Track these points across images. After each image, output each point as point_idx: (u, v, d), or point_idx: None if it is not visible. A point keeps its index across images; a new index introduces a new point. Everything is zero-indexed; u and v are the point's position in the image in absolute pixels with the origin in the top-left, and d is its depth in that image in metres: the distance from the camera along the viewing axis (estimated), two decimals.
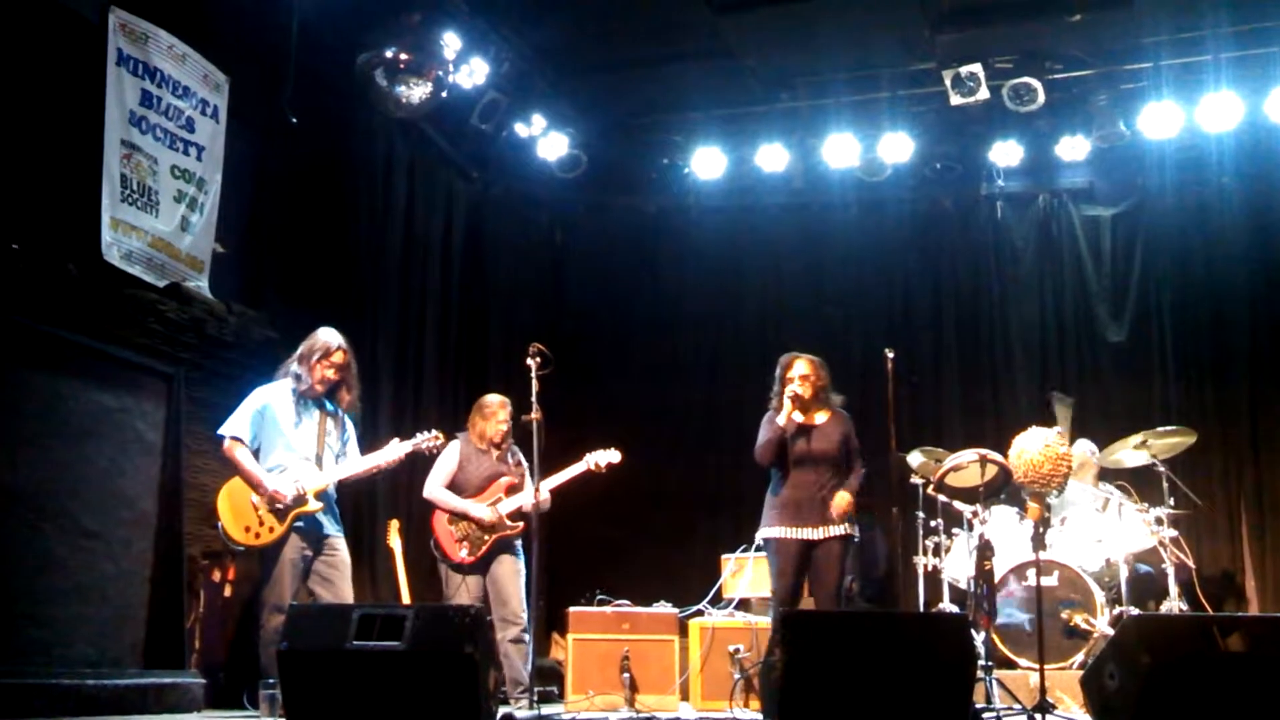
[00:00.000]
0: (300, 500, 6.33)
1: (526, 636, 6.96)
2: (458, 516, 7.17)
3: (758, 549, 8.02)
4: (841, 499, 6.51)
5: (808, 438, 6.61)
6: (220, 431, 6.43)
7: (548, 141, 10.23)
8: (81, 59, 6.60)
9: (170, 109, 7.11)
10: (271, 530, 6.26)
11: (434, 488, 7.27)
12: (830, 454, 6.59)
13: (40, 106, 6.35)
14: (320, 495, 6.40)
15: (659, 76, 9.97)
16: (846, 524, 6.52)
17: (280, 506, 6.27)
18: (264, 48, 7.96)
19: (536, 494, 6.84)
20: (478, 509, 7.16)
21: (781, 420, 6.56)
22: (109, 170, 6.64)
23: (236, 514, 6.25)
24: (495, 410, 7.39)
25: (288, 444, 6.44)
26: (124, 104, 6.78)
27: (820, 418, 6.70)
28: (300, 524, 6.32)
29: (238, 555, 6.91)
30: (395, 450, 6.75)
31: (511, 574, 7.16)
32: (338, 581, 6.41)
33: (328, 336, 6.61)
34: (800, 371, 6.70)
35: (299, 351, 6.59)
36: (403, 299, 9.30)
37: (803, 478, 6.57)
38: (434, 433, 6.94)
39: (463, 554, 7.11)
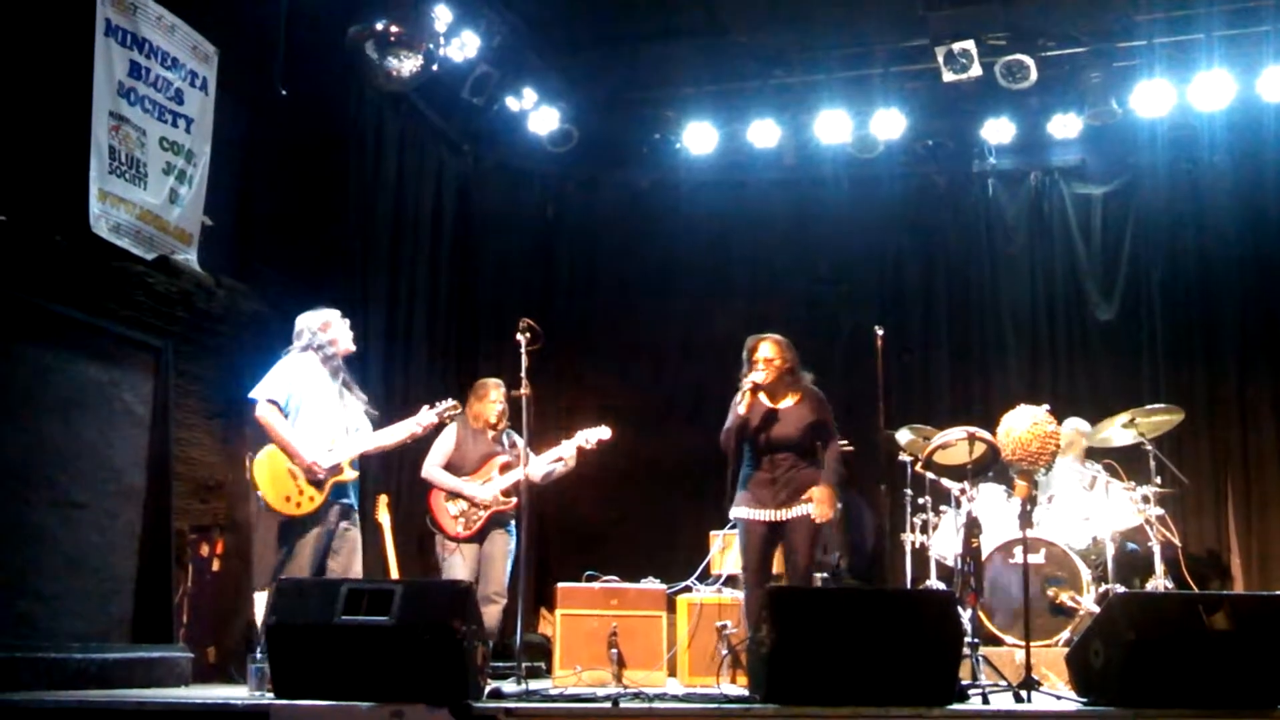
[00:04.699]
0: (336, 469, 6.35)
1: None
2: (454, 495, 7.23)
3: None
4: (821, 495, 6.36)
5: (771, 424, 6.54)
6: (253, 395, 6.38)
7: (539, 115, 10.18)
8: (69, 29, 6.55)
9: (159, 80, 7.06)
10: (311, 500, 6.28)
11: (431, 468, 7.36)
12: (793, 439, 6.51)
13: (28, 77, 6.30)
14: (353, 464, 6.46)
15: (651, 51, 9.93)
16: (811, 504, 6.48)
17: (319, 476, 6.28)
18: (253, 20, 7.92)
19: (524, 469, 6.85)
20: (473, 488, 7.26)
21: (741, 409, 6.50)
22: (97, 142, 6.60)
23: (276, 482, 6.24)
24: (489, 391, 7.49)
25: (320, 412, 6.44)
26: (112, 75, 6.72)
27: (788, 401, 6.61)
28: (332, 494, 6.36)
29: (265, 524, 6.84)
30: (425, 418, 6.80)
31: (502, 553, 7.27)
32: (345, 554, 6.43)
33: (325, 309, 6.68)
34: (765, 354, 6.56)
35: (316, 325, 6.60)
36: (392, 273, 9.27)
37: (767, 461, 6.53)
38: (453, 401, 7.02)
39: (459, 529, 7.23)
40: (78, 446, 6.23)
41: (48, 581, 5.93)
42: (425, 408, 6.89)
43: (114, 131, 6.73)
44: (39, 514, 5.92)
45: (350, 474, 6.43)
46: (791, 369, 6.61)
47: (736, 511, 6.59)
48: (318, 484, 6.29)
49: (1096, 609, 7.16)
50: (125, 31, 6.81)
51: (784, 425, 6.52)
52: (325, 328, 6.61)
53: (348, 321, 6.76)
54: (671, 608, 7.75)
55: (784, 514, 6.43)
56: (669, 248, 11.03)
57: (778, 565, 6.74)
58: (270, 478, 6.25)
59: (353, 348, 6.71)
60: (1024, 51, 9.17)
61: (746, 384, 6.48)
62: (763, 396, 6.57)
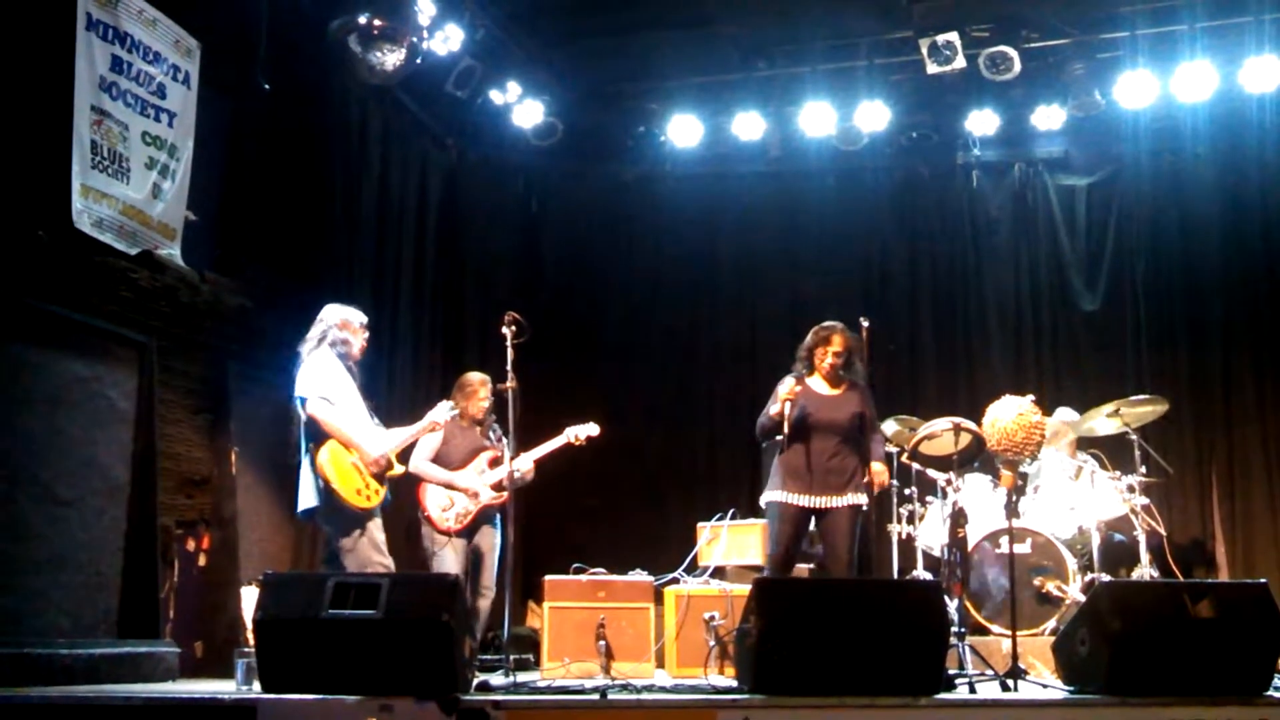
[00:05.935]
0: (389, 464, 6.43)
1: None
2: (445, 488, 7.23)
3: (733, 517, 8.05)
4: (880, 473, 6.58)
5: (821, 405, 6.61)
6: (300, 393, 6.31)
7: (523, 109, 10.16)
8: (50, 23, 6.51)
9: (141, 75, 7.03)
10: (376, 493, 6.34)
11: (419, 462, 7.35)
12: (840, 423, 6.59)
13: (8, 72, 6.26)
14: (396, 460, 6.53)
15: (635, 44, 9.92)
16: (856, 492, 6.54)
17: (383, 469, 6.33)
18: (235, 13, 7.88)
19: (511, 464, 6.84)
20: (464, 481, 7.27)
21: (774, 410, 6.53)
22: (79, 137, 6.57)
23: (345, 477, 6.23)
24: (476, 388, 7.50)
25: (355, 409, 6.45)
26: (94, 69, 6.69)
27: (840, 389, 6.72)
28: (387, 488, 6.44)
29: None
30: (440, 414, 6.82)
31: (490, 548, 7.34)
32: None
33: (354, 310, 6.69)
34: (836, 347, 6.69)
35: (335, 320, 6.56)
36: (377, 267, 9.24)
37: (811, 444, 6.56)
38: (450, 403, 7.05)
39: (449, 524, 7.23)
40: (63, 443, 6.21)
41: (34, 578, 5.92)
42: (442, 403, 6.92)
43: (96, 126, 6.70)
44: (24, 511, 5.90)
45: (399, 468, 6.52)
46: (851, 363, 6.69)
47: (771, 495, 6.62)
48: (379, 477, 6.35)
49: (1082, 598, 7.18)
50: (107, 26, 6.78)
51: (832, 408, 6.63)
52: (343, 326, 6.57)
53: (367, 334, 6.71)
54: (659, 600, 7.75)
55: (829, 501, 6.49)
56: (654, 240, 11.03)
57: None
58: (339, 472, 6.22)
59: (358, 355, 6.64)
60: (1007, 43, 9.18)
61: (784, 409, 6.49)
62: (820, 383, 6.67)
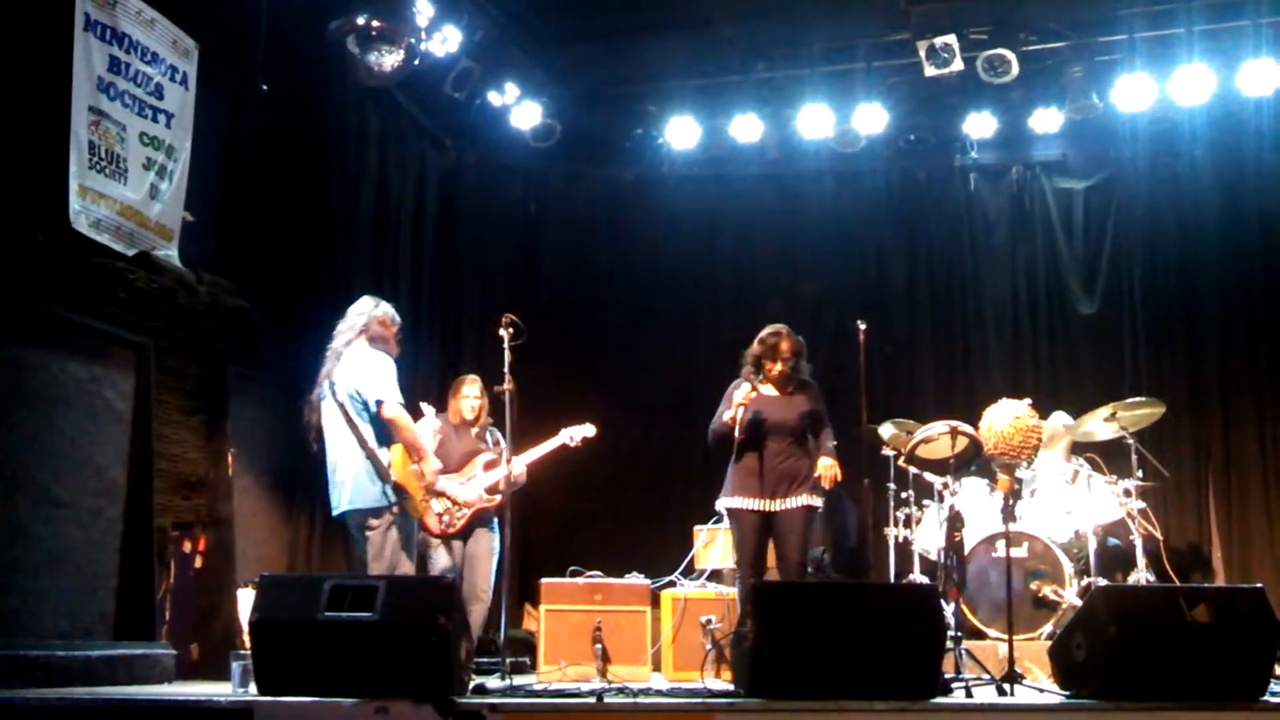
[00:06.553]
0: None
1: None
2: (437, 492, 7.23)
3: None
4: (828, 467, 6.44)
5: (771, 407, 6.59)
6: (379, 395, 6.27)
7: (521, 110, 10.16)
8: (48, 24, 6.51)
9: (139, 75, 7.02)
10: (427, 504, 6.43)
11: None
12: (789, 424, 6.55)
13: (6, 73, 6.25)
14: None
15: (633, 45, 9.92)
16: (809, 493, 6.51)
17: (426, 481, 6.35)
18: (234, 14, 7.87)
19: (509, 466, 6.84)
20: (454, 486, 7.23)
21: (727, 415, 6.50)
22: (76, 137, 6.56)
23: (413, 484, 6.25)
24: (463, 386, 7.50)
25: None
26: (91, 70, 6.69)
27: (789, 390, 6.66)
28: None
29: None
30: (433, 423, 6.87)
31: (486, 552, 7.30)
32: None
33: (392, 308, 6.66)
34: (785, 351, 6.62)
35: (377, 315, 6.53)
36: (375, 269, 9.24)
37: (761, 448, 6.54)
38: (433, 411, 7.10)
39: (442, 526, 7.23)
40: (59, 444, 6.19)
41: (30, 579, 5.90)
42: (432, 412, 6.91)
43: (93, 127, 6.70)
44: (20, 511, 5.88)
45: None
46: (799, 364, 6.65)
47: (727, 502, 6.59)
48: (426, 487, 6.37)
49: (1078, 602, 7.19)
50: (105, 26, 6.78)
51: (782, 410, 6.59)
52: (383, 323, 6.54)
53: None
54: (656, 603, 7.76)
55: (776, 505, 6.45)
56: (652, 242, 11.03)
57: (770, 558, 6.76)
58: (411, 479, 6.24)
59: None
60: (1005, 46, 9.19)
61: (739, 414, 6.45)
62: (768, 386, 6.63)
